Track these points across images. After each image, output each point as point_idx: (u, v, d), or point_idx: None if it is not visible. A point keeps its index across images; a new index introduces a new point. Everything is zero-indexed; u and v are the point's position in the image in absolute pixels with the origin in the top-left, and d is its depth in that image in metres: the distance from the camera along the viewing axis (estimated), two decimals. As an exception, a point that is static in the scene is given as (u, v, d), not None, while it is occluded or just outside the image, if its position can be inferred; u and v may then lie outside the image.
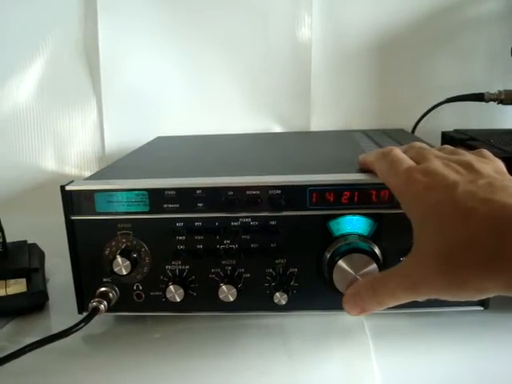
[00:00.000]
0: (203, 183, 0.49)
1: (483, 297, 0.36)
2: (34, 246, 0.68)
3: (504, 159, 0.44)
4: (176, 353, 0.49)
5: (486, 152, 0.44)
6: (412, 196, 0.40)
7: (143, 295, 0.52)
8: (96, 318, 0.49)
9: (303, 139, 0.90)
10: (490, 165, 0.41)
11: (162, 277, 0.51)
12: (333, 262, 0.47)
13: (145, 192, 0.49)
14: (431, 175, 0.40)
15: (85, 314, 0.49)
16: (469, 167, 0.40)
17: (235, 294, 0.50)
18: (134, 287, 0.52)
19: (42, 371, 0.47)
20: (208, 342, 0.51)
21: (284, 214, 0.49)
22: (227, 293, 0.50)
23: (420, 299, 0.39)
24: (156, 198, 0.49)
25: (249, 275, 0.51)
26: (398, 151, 0.46)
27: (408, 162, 0.43)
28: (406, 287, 0.39)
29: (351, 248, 0.47)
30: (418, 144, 0.48)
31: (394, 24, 0.95)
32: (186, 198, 0.49)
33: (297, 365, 0.47)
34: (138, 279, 0.52)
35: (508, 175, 0.40)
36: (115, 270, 0.49)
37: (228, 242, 0.50)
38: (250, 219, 0.50)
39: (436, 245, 0.36)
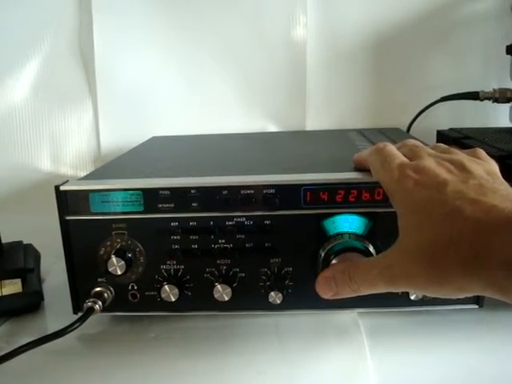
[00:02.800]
0: (198, 183, 0.49)
1: (459, 296, 0.36)
2: (30, 246, 0.68)
3: (498, 158, 0.44)
4: (171, 352, 0.49)
5: (480, 152, 0.44)
6: (402, 191, 0.40)
7: (138, 295, 0.52)
8: (91, 318, 0.49)
9: (298, 139, 0.90)
10: (483, 166, 0.41)
11: (156, 276, 0.51)
12: (327, 261, 0.47)
13: (139, 192, 0.49)
14: (423, 172, 0.40)
15: (80, 314, 0.49)
16: (461, 167, 0.40)
17: (230, 293, 0.50)
18: (129, 287, 0.52)
19: (37, 371, 0.47)
20: (203, 341, 0.51)
21: (278, 213, 0.49)
22: (222, 292, 0.50)
23: (396, 291, 0.40)
24: (151, 197, 0.49)
25: (244, 274, 0.51)
26: (391, 147, 0.46)
27: (401, 158, 0.44)
28: (385, 278, 0.39)
29: (346, 247, 0.47)
30: (412, 141, 0.48)
31: (389, 23, 0.95)
32: (180, 197, 0.49)
33: (292, 364, 0.47)
34: (133, 279, 0.52)
35: (500, 177, 0.40)
36: (110, 269, 0.49)
37: (223, 241, 0.50)
38: (244, 218, 0.50)
39: (421, 240, 0.37)
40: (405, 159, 0.43)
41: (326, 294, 0.45)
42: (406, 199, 0.40)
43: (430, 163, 0.41)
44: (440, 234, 0.36)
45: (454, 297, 0.37)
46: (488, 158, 0.43)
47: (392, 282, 0.39)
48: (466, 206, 0.35)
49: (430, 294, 0.38)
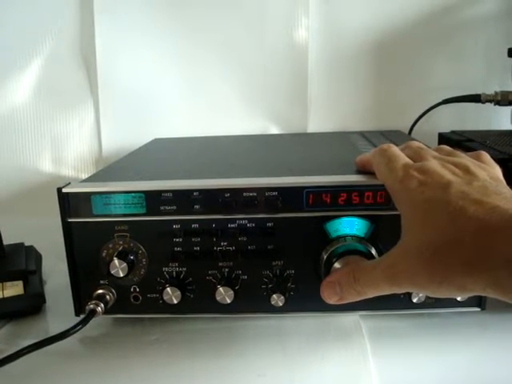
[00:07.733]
0: (200, 185, 0.49)
1: (461, 296, 0.36)
2: (31, 248, 0.68)
3: (500, 160, 0.44)
4: (173, 355, 0.49)
5: (485, 155, 0.44)
6: (406, 191, 0.40)
7: (140, 297, 0.52)
8: (93, 320, 0.49)
9: (300, 141, 0.90)
10: (487, 171, 0.41)
11: (159, 279, 0.51)
12: (330, 264, 0.47)
13: (142, 194, 0.49)
14: (427, 173, 0.40)
15: (82, 316, 0.49)
16: (465, 169, 0.40)
17: (232, 295, 0.50)
18: (131, 289, 0.52)
19: (40, 374, 0.47)
20: (205, 343, 0.51)
21: (281, 215, 0.49)
22: (224, 295, 0.50)
23: (400, 291, 0.40)
24: (153, 200, 0.49)
25: (246, 277, 0.51)
26: (395, 148, 0.46)
27: (405, 159, 0.44)
28: (388, 277, 0.39)
29: (348, 249, 0.47)
30: (416, 143, 0.48)
31: (391, 25, 0.95)
32: (182, 199, 0.49)
33: (294, 366, 0.47)
34: (135, 281, 0.52)
35: (503, 182, 0.41)
36: (112, 272, 0.49)
37: (225, 243, 0.50)
38: (246, 221, 0.50)
39: (423, 240, 0.37)
40: (409, 160, 0.43)
41: (330, 298, 0.44)
42: (409, 199, 0.40)
43: (434, 165, 0.41)
44: (443, 233, 0.36)
45: (454, 297, 0.37)
46: (492, 161, 0.44)
47: (395, 281, 0.39)
48: (470, 205, 0.35)
49: (431, 294, 0.38)
